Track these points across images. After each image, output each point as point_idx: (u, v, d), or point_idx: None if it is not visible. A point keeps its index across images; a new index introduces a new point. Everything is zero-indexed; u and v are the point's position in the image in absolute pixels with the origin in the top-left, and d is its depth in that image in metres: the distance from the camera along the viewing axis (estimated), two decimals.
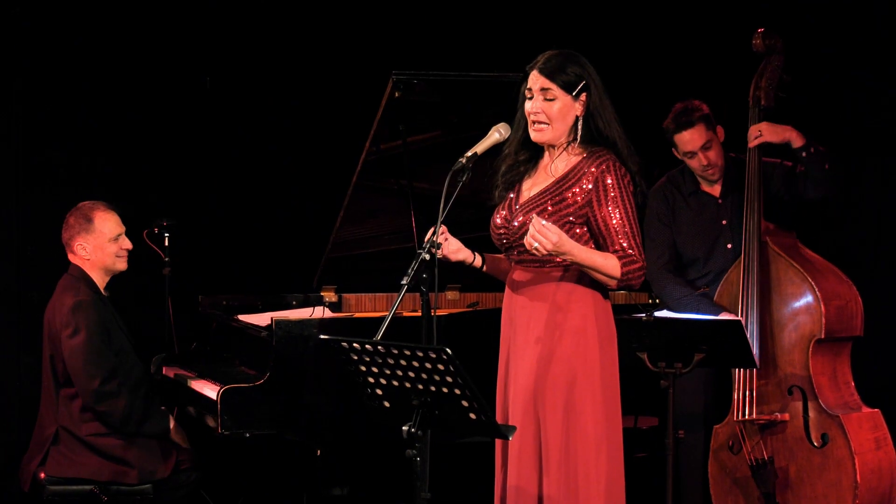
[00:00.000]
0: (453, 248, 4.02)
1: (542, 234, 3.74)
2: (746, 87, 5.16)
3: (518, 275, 4.04)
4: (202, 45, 6.34)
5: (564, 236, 3.79)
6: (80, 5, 6.16)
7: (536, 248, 3.76)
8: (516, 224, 3.98)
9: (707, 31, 6.23)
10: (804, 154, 5.10)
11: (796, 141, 5.10)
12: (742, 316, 5.00)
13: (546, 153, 4.06)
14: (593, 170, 3.93)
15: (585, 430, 3.92)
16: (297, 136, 6.46)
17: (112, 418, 4.93)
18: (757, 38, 5.14)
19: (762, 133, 5.09)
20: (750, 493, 5.08)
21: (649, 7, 6.45)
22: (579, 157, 3.98)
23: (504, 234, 4.04)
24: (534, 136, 3.99)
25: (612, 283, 3.92)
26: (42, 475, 4.98)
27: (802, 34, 5.71)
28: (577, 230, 3.95)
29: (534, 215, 3.81)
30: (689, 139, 5.23)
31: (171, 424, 5.08)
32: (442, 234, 3.95)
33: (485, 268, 4.13)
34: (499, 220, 4.06)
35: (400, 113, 5.09)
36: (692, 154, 5.25)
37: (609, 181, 3.92)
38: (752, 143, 5.10)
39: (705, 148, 5.24)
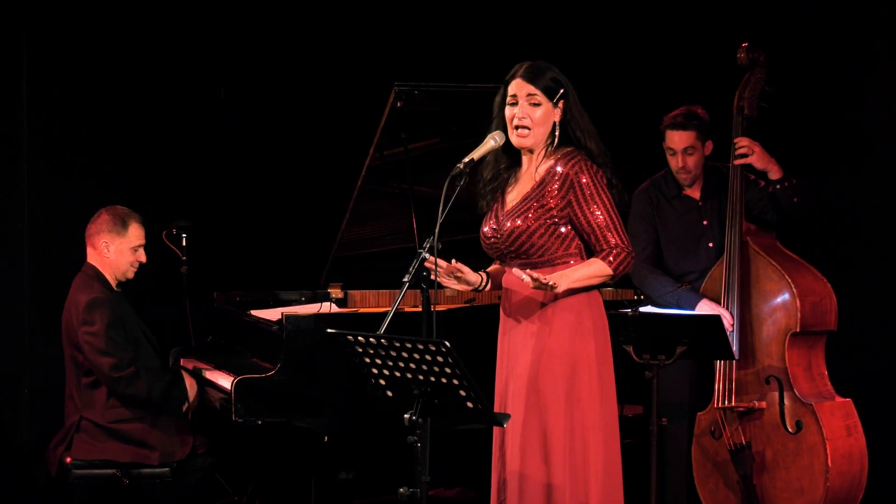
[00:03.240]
0: (471, 279, 3.97)
1: (544, 278, 3.75)
2: (730, 98, 5.15)
3: (512, 275, 4.00)
4: (218, 58, 6.35)
5: (561, 283, 3.79)
6: (106, 20, 6.16)
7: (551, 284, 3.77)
8: (505, 230, 3.95)
9: (693, 45, 6.22)
10: (778, 186, 5.11)
11: (775, 173, 5.11)
12: (724, 310, 4.99)
13: (525, 159, 4.03)
14: (568, 171, 3.91)
15: (585, 417, 3.89)
16: (305, 144, 6.46)
17: (137, 399, 4.91)
18: (741, 51, 5.15)
19: (754, 154, 5.08)
20: (729, 475, 5.08)
21: (640, 21, 6.44)
22: (553, 160, 3.95)
23: (495, 242, 4.00)
24: (517, 141, 3.95)
25: (609, 280, 3.91)
26: (68, 459, 4.95)
27: (784, 47, 5.72)
28: (562, 229, 3.93)
29: (525, 275, 3.77)
30: (677, 139, 5.24)
31: (190, 395, 5.06)
32: (452, 269, 3.92)
33: (489, 286, 4.08)
34: (489, 231, 4.03)
35: (402, 121, 5.09)
36: (673, 152, 5.27)
37: (584, 180, 3.90)
38: (738, 161, 5.10)
39: (686, 152, 5.24)
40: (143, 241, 5.11)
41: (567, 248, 3.94)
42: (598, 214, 3.89)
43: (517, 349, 3.97)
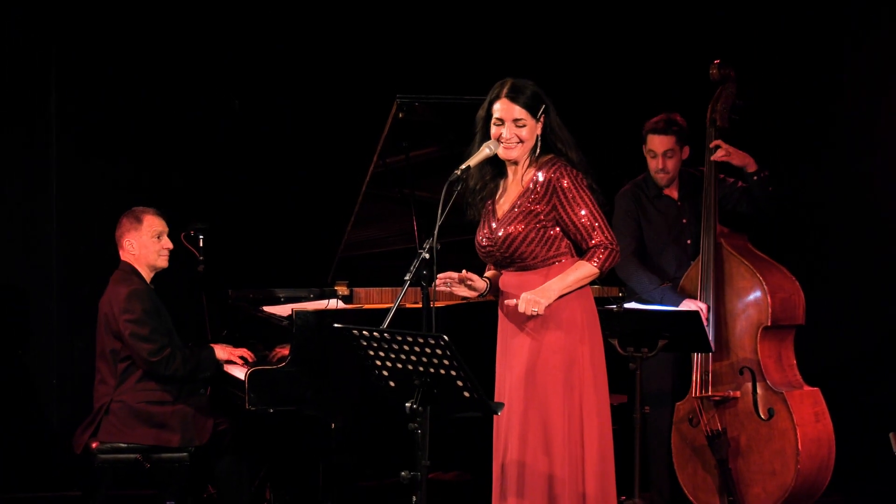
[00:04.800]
0: (479, 287, 4.04)
1: (530, 309, 3.83)
2: (703, 110, 5.21)
3: (508, 277, 4.05)
4: (233, 72, 6.37)
5: (542, 299, 3.85)
6: (129, 36, 6.21)
7: (535, 311, 3.85)
8: (499, 238, 3.98)
9: (670, 62, 6.28)
10: (755, 178, 5.16)
11: (751, 166, 5.18)
12: (702, 304, 5.03)
13: (510, 170, 4.05)
14: (549, 176, 3.94)
15: (582, 405, 3.92)
16: (313, 152, 6.48)
17: (176, 377, 4.96)
18: (713, 68, 5.20)
19: (730, 154, 5.14)
20: (707, 460, 5.10)
21: (620, 39, 6.50)
22: (535, 168, 3.98)
23: (490, 249, 4.03)
24: (503, 153, 3.97)
25: (596, 277, 3.96)
26: (94, 445, 4.99)
27: (755, 58, 5.77)
28: (551, 231, 3.97)
29: (516, 301, 3.87)
30: (658, 142, 5.30)
31: (218, 355, 5.11)
32: (460, 278, 3.98)
33: (489, 294, 4.12)
34: (484, 241, 4.06)
35: (403, 131, 5.07)
36: (654, 155, 5.32)
37: (565, 184, 3.93)
38: (720, 160, 5.15)
39: (666, 155, 5.30)
40: (162, 229, 5.13)
41: (558, 249, 3.98)
42: (583, 214, 3.92)
43: (515, 347, 3.99)
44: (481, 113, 4.03)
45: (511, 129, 3.95)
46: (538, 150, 3.98)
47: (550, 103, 3.99)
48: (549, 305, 3.89)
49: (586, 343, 3.95)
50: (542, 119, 3.96)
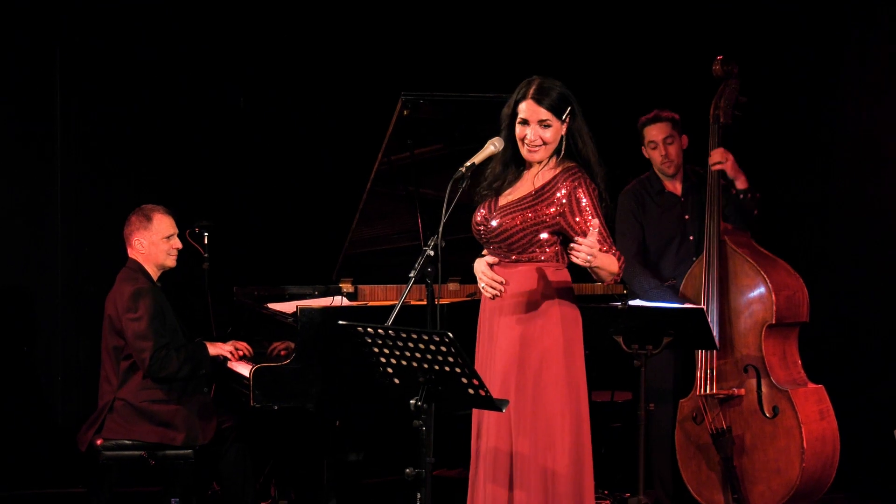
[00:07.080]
0: None
1: (584, 252, 3.72)
2: (707, 107, 5.19)
3: (498, 270, 4.03)
4: (239, 70, 6.37)
5: (597, 254, 3.74)
6: (135, 35, 6.21)
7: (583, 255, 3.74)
8: (493, 224, 3.99)
9: (673, 59, 6.26)
10: (741, 196, 5.16)
11: (741, 183, 5.18)
12: (704, 305, 5.03)
13: (527, 167, 4.04)
14: (566, 185, 3.93)
15: (551, 399, 3.91)
16: (318, 149, 6.49)
17: (169, 378, 4.95)
18: (717, 64, 5.19)
19: (727, 162, 5.13)
20: (711, 457, 5.10)
21: (623, 36, 6.49)
22: (555, 172, 3.97)
23: (483, 230, 4.04)
24: (528, 156, 3.97)
25: (610, 278, 3.90)
26: (98, 442, 4.98)
27: (757, 57, 5.75)
28: (542, 236, 3.96)
29: (586, 240, 3.74)
30: (656, 131, 5.32)
31: (212, 351, 5.09)
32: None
33: None
34: (479, 218, 4.06)
35: (408, 128, 5.09)
36: (655, 144, 5.32)
37: (582, 195, 3.91)
38: (714, 168, 5.14)
39: (666, 142, 5.31)
40: (173, 230, 5.13)
41: (543, 252, 3.97)
42: (594, 231, 3.89)
43: (497, 333, 3.99)
44: (506, 111, 4.01)
45: (536, 130, 3.93)
46: (562, 152, 3.98)
47: (576, 103, 3.96)
48: (535, 296, 3.89)
49: (560, 338, 3.94)
50: (566, 120, 3.95)
